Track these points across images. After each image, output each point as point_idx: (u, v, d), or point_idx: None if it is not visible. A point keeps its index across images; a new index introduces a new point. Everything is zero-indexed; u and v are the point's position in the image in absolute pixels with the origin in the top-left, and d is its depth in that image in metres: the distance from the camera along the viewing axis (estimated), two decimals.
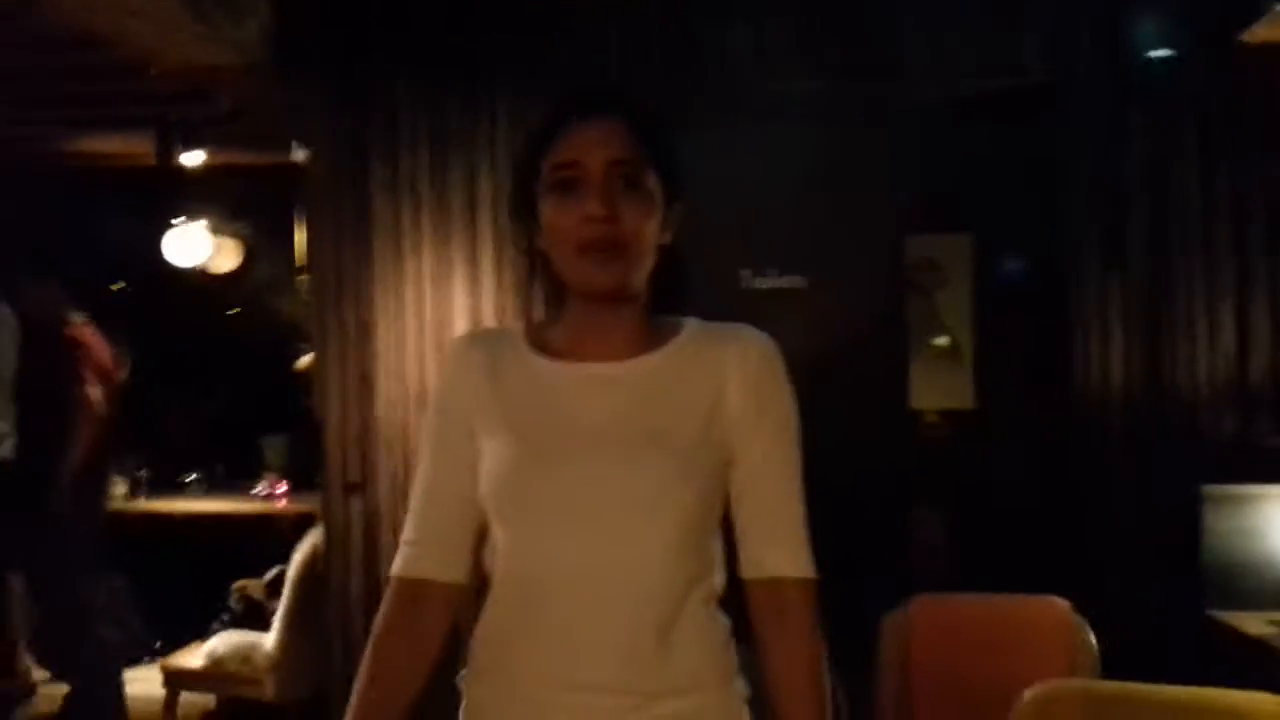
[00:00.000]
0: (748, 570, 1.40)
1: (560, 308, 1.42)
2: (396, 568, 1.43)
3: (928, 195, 4.19)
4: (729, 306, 4.24)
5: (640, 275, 1.37)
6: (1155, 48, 3.18)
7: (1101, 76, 3.44)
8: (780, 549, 1.39)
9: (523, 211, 1.41)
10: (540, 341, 1.42)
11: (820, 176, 4.00)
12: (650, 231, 1.36)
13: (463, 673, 1.43)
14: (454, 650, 1.44)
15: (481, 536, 1.42)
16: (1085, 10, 3.46)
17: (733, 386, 1.37)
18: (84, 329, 4.19)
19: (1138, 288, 3.46)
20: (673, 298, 1.45)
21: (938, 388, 4.81)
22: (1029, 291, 3.99)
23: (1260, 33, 3.27)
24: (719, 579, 1.41)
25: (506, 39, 3.58)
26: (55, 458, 3.96)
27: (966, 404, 4.45)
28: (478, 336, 1.50)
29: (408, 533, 1.44)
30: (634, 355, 1.39)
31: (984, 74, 3.53)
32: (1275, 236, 3.44)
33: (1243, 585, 3.19)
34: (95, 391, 4.11)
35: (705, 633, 1.38)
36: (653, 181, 1.36)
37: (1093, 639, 2.67)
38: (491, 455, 1.37)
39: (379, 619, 1.42)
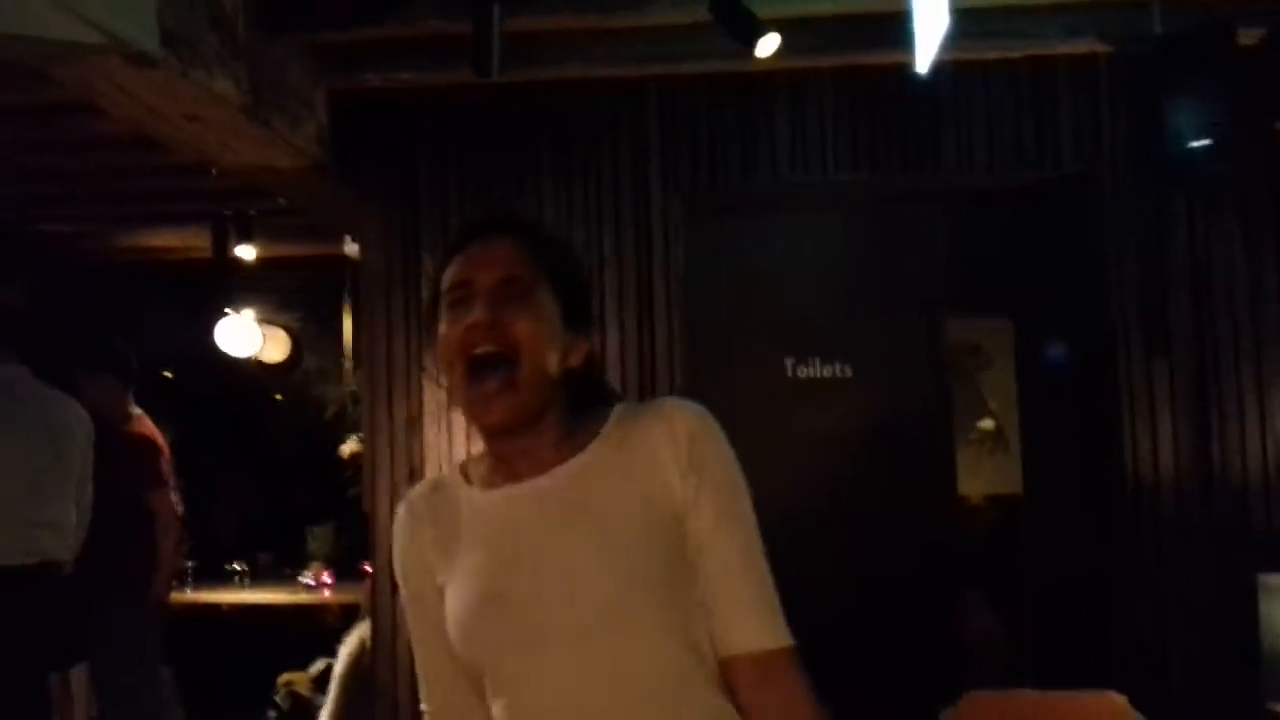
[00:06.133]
0: (721, 649, 1.30)
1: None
2: None
3: (969, 280, 4.21)
4: (774, 396, 4.28)
5: (536, 399, 1.31)
6: (1191, 137, 3.20)
7: (1139, 165, 3.48)
8: (751, 621, 1.30)
9: (434, 343, 1.37)
10: (476, 474, 1.40)
11: (862, 265, 4.04)
12: (543, 344, 1.31)
13: None
14: None
15: None
16: (1120, 101, 3.52)
17: (667, 464, 1.30)
18: (145, 422, 4.29)
19: (1184, 373, 3.45)
20: (597, 401, 1.40)
21: (985, 472, 4.79)
22: (1073, 376, 3.98)
23: None
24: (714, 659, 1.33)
25: (552, 136, 3.68)
26: (143, 564, 4.04)
27: (1014, 489, 4.41)
28: (413, 499, 1.44)
29: (424, 703, 1.44)
30: (561, 462, 1.33)
31: (1021, 166, 3.59)
32: None
33: None
34: (176, 497, 4.22)
35: (714, 714, 1.30)
36: (547, 297, 1.33)
37: None
38: (450, 602, 1.34)
39: None
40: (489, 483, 1.37)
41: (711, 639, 1.30)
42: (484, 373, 1.28)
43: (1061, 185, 3.71)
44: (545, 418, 1.33)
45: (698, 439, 1.31)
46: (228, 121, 3.06)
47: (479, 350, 1.28)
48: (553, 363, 1.32)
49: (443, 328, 1.33)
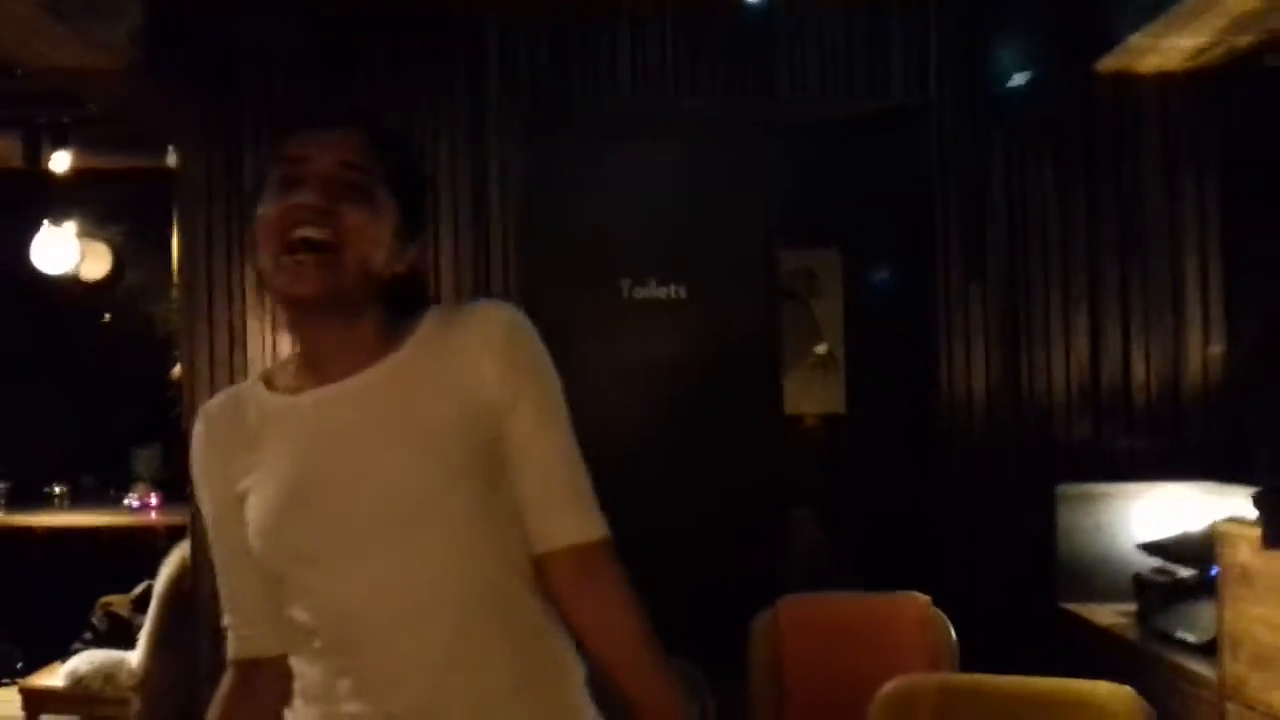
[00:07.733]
0: (540, 545, 1.31)
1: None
2: (231, 652, 1.40)
3: (800, 209, 4.32)
4: (609, 316, 4.32)
5: (354, 287, 1.25)
6: (1013, 75, 3.34)
7: (963, 100, 3.59)
8: (569, 516, 1.31)
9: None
10: (279, 381, 1.34)
11: (698, 190, 4.08)
12: (373, 242, 1.25)
13: None
14: None
15: None
16: (948, 38, 3.62)
17: (484, 365, 1.28)
18: None
19: (997, 298, 3.62)
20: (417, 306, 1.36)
21: (812, 393, 4.94)
22: (896, 302, 4.13)
23: (1111, 62, 3.51)
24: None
25: (385, 47, 3.57)
26: None
27: (839, 409, 4.58)
28: (209, 410, 1.37)
29: (227, 617, 1.40)
30: (373, 362, 1.29)
31: (852, 96, 3.66)
32: (1126, 251, 3.63)
33: (1094, 579, 3.38)
34: None
35: (525, 629, 1.30)
36: (385, 197, 1.26)
37: (952, 632, 2.78)
38: (252, 510, 1.29)
39: (219, 704, 1.38)
40: (295, 388, 1.32)
41: (528, 540, 1.30)
42: (301, 251, 1.21)
43: (890, 117, 3.81)
44: (361, 314, 1.28)
45: (514, 341, 1.30)
46: (29, 17, 2.86)
47: (302, 233, 1.21)
48: (378, 263, 1.26)
49: (263, 208, 1.24)
